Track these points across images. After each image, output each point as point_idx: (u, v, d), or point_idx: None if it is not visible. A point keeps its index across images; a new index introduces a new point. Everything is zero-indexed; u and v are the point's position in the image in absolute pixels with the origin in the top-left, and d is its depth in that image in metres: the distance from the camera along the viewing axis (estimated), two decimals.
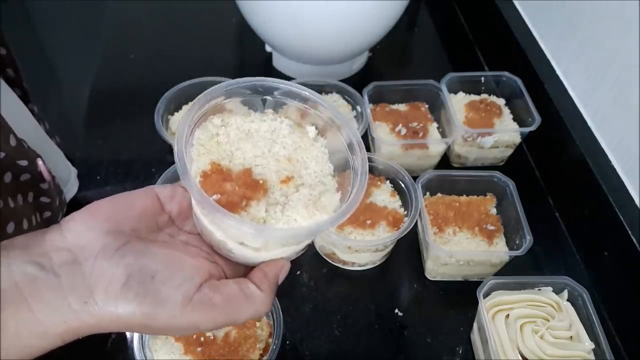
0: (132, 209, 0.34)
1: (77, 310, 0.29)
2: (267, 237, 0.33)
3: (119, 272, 0.30)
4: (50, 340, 0.30)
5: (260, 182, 0.33)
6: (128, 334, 0.59)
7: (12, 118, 0.52)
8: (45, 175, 0.51)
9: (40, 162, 0.51)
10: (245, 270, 0.36)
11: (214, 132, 0.35)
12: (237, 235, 0.33)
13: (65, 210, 0.62)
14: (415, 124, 0.75)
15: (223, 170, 0.33)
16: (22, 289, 0.29)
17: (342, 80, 0.79)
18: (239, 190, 0.32)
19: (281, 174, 0.34)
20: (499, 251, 0.63)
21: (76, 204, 0.69)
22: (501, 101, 0.79)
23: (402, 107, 0.78)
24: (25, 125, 0.58)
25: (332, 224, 0.33)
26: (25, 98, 0.60)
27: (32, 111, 0.61)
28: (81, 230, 0.32)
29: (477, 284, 0.55)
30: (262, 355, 0.53)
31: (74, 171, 0.68)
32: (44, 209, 0.53)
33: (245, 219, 0.32)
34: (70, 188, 0.67)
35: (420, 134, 0.74)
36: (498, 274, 0.64)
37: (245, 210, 0.32)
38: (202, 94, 0.36)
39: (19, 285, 0.29)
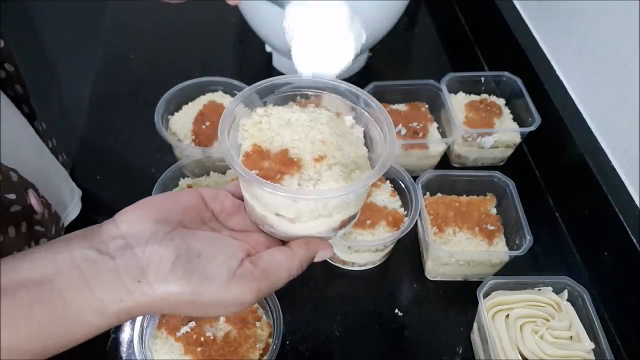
0: (178, 203, 0.37)
1: (131, 290, 0.32)
2: (297, 200, 0.36)
3: (168, 253, 0.33)
4: (107, 318, 0.33)
5: (295, 159, 0.36)
6: (128, 334, 0.59)
7: (14, 141, 0.53)
8: (36, 207, 0.51)
9: (32, 194, 0.51)
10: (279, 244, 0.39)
11: (257, 119, 0.39)
12: (272, 205, 0.37)
13: (63, 234, 0.61)
14: (415, 124, 0.75)
15: (263, 150, 0.37)
16: (83, 270, 0.32)
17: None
18: (276, 166, 0.36)
19: (315, 154, 0.37)
20: (499, 251, 0.63)
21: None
22: (501, 101, 0.79)
23: (402, 107, 0.78)
24: (29, 147, 0.58)
25: (353, 189, 0.36)
26: (32, 116, 0.60)
27: (37, 130, 0.60)
28: (133, 221, 0.35)
29: (477, 284, 0.55)
30: (262, 355, 0.53)
31: (77, 192, 0.68)
32: (40, 236, 0.54)
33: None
34: (72, 210, 0.66)
35: (420, 134, 0.74)
36: (498, 274, 0.64)
37: (279, 182, 0.36)
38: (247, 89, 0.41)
39: (80, 267, 0.32)
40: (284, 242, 0.39)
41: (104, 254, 0.33)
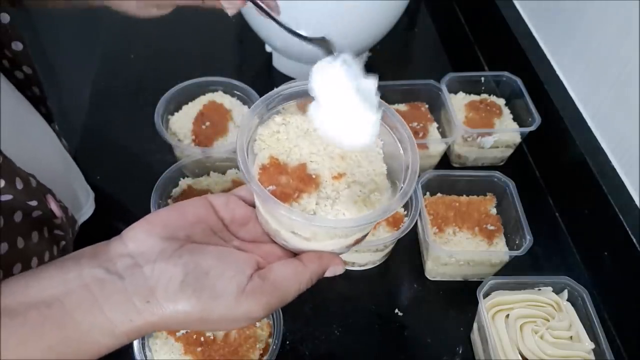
0: (186, 217, 0.36)
1: (141, 309, 0.32)
2: (313, 226, 0.35)
3: (177, 271, 0.33)
4: (117, 338, 0.32)
5: (314, 176, 0.36)
6: None
7: (36, 143, 0.53)
8: (56, 212, 0.51)
9: (50, 199, 0.51)
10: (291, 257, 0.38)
11: (275, 129, 0.38)
12: (288, 224, 0.35)
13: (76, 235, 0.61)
14: (415, 124, 0.75)
15: (280, 164, 0.36)
16: (93, 290, 0.32)
17: None
18: (293, 183, 0.35)
19: (334, 171, 0.36)
20: (499, 251, 0.63)
21: None
22: (501, 101, 0.79)
23: (402, 107, 0.78)
24: (49, 149, 0.59)
25: (376, 219, 0.34)
26: (49, 117, 0.60)
27: (54, 131, 0.61)
28: (140, 238, 0.34)
29: (477, 284, 0.55)
30: (262, 355, 0.53)
31: (91, 194, 0.68)
32: (60, 239, 0.54)
33: (295, 209, 0.34)
34: (87, 210, 0.66)
35: (420, 134, 0.74)
36: (498, 274, 0.64)
37: (296, 201, 0.35)
38: (263, 97, 0.39)
39: (89, 287, 0.32)
40: (295, 253, 0.39)
41: (113, 274, 0.32)
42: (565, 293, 0.56)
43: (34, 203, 0.47)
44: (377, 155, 0.38)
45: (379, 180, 0.37)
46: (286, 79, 0.85)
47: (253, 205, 0.40)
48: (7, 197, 0.43)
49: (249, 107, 0.76)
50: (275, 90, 0.39)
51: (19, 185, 0.45)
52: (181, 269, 0.33)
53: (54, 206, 0.51)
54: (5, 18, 0.50)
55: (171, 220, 0.36)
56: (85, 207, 0.66)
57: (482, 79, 0.80)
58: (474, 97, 0.79)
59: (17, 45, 0.53)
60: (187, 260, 0.33)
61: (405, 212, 0.65)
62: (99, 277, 0.32)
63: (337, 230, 0.36)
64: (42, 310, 0.31)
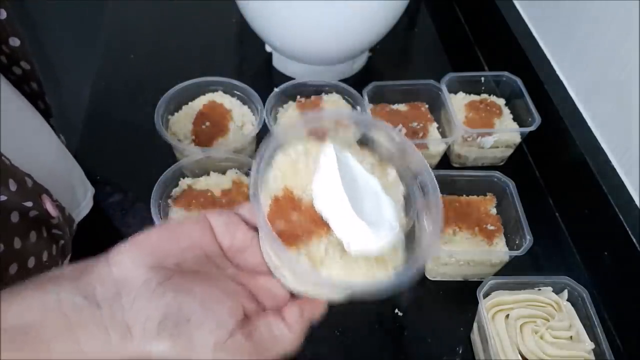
0: (179, 241, 0.34)
1: (115, 344, 0.31)
2: (315, 282, 0.33)
3: (157, 312, 0.31)
4: None
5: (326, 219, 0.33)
6: None
7: (32, 141, 0.54)
8: (52, 212, 0.51)
9: (46, 199, 0.50)
10: (284, 298, 0.37)
11: (294, 158, 0.34)
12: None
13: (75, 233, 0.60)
14: (415, 124, 0.75)
15: (294, 199, 0.33)
16: (70, 318, 0.30)
17: (342, 80, 0.79)
18: (305, 223, 0.32)
19: None
20: (499, 251, 0.63)
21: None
22: (501, 101, 0.79)
23: (402, 107, 0.78)
24: (46, 145, 0.59)
25: (385, 289, 0.32)
26: (47, 112, 0.60)
27: (53, 127, 0.61)
28: (126, 265, 0.32)
29: (477, 284, 0.55)
30: None
31: (90, 190, 0.68)
32: (58, 239, 0.54)
33: (302, 256, 0.32)
34: (85, 207, 0.66)
35: (420, 134, 0.73)
36: (498, 274, 0.64)
37: (305, 245, 0.32)
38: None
39: (67, 316, 0.30)
40: (291, 293, 0.37)
41: (92, 302, 0.31)
42: (565, 293, 0.56)
43: (29, 204, 0.47)
44: (397, 203, 0.36)
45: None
46: (286, 79, 0.84)
47: (254, 227, 0.37)
48: (1, 198, 0.43)
49: (249, 107, 0.76)
50: (313, 114, 0.36)
51: (13, 186, 0.45)
52: (162, 310, 0.31)
53: (49, 206, 0.50)
54: (2, 14, 0.50)
55: (162, 244, 0.34)
56: (83, 203, 0.66)
57: (482, 79, 0.80)
58: (474, 97, 0.79)
59: (15, 41, 0.53)
60: (169, 301, 0.31)
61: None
62: (78, 305, 0.31)
63: (340, 290, 0.34)
64: (17, 338, 0.30)
